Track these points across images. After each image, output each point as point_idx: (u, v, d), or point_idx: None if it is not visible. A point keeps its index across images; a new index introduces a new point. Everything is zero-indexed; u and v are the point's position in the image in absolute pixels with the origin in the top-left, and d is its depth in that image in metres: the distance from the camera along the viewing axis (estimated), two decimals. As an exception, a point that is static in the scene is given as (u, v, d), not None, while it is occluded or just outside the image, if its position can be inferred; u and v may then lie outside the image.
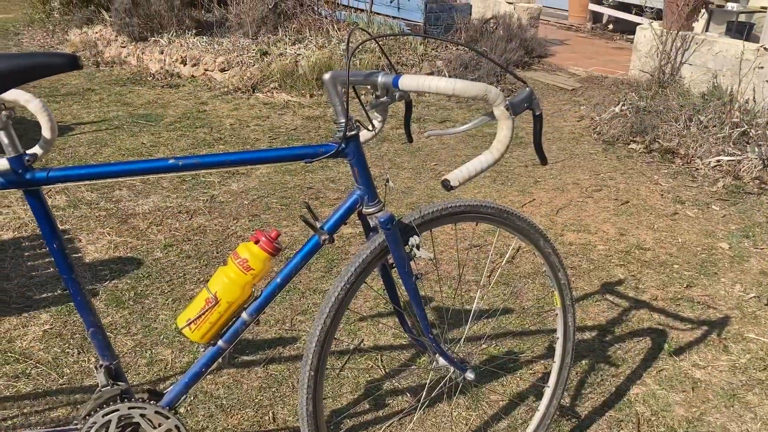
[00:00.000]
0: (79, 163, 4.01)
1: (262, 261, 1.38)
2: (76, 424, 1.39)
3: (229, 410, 1.96)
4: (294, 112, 5.29)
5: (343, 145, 1.35)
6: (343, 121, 1.34)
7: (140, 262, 2.84)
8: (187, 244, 3.02)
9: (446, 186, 1.25)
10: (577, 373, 2.21)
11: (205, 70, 6.05)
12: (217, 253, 2.94)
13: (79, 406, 1.96)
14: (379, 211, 1.40)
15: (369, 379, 2.13)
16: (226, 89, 5.80)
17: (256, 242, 1.39)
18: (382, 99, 1.45)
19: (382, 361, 2.23)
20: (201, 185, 3.72)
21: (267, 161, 1.35)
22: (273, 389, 2.06)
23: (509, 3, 7.27)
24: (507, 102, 1.24)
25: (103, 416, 1.37)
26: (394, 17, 6.62)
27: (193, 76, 6.10)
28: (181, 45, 6.37)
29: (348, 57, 1.32)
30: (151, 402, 1.40)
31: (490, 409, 2.02)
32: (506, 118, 1.24)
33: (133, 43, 6.72)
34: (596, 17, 9.45)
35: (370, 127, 1.44)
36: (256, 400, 2.01)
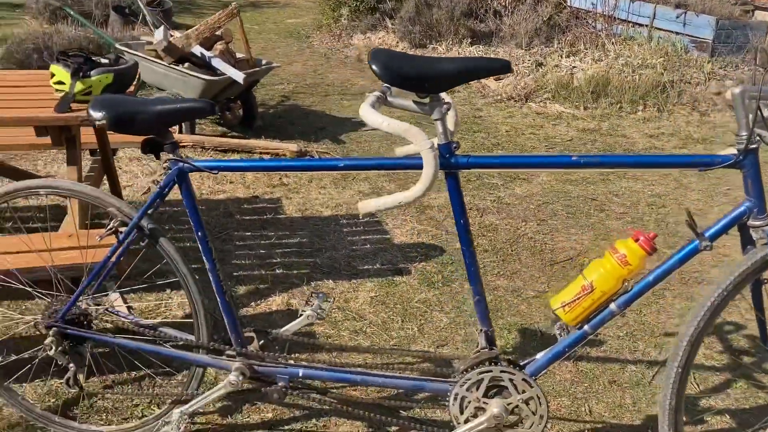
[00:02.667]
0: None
1: (639, 258, 1.48)
2: (453, 377, 1.62)
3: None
4: (568, 123, 5.33)
5: (741, 157, 1.40)
6: (746, 134, 1.39)
7: (442, 249, 3.11)
8: (483, 239, 3.23)
9: None
10: None
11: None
12: (511, 250, 3.11)
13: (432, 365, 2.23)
14: (767, 225, 1.43)
15: (681, 393, 2.14)
16: (499, 97, 6.01)
17: (636, 240, 1.49)
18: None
19: (695, 378, 2.21)
20: (486, 186, 3.93)
21: (662, 166, 1.46)
22: (585, 384, 2.16)
23: (815, 21, 6.56)
24: None
25: (478, 374, 1.57)
26: (677, 33, 6.34)
27: (468, 83, 6.41)
28: (459, 53, 6.72)
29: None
30: (519, 369, 1.58)
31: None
32: None
33: (412, 50, 7.23)
34: None
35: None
36: (570, 392, 2.12)
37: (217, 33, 4.72)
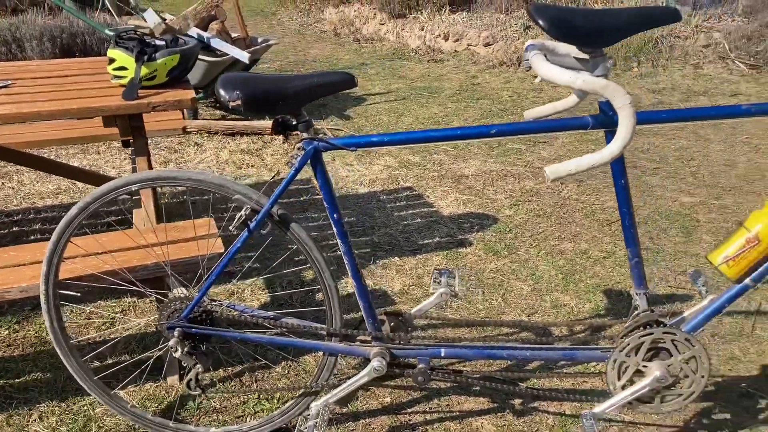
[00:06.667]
0: (383, 130, 4.35)
1: (804, 205, 1.46)
2: (610, 343, 1.58)
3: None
4: (566, 85, 5.32)
5: None
6: None
7: (494, 218, 3.06)
8: (529, 203, 3.20)
9: None
10: None
11: (468, 45, 6.26)
12: (564, 213, 3.09)
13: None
14: None
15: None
16: (491, 63, 5.97)
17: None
18: None
19: None
20: (512, 152, 3.89)
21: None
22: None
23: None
24: None
25: (639, 337, 1.53)
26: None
27: (456, 51, 6.34)
28: (443, 21, 6.63)
29: None
30: (680, 328, 1.55)
31: None
32: None
33: (392, 21, 7.10)
34: None
35: None
36: None
37: (211, 12, 4.52)
